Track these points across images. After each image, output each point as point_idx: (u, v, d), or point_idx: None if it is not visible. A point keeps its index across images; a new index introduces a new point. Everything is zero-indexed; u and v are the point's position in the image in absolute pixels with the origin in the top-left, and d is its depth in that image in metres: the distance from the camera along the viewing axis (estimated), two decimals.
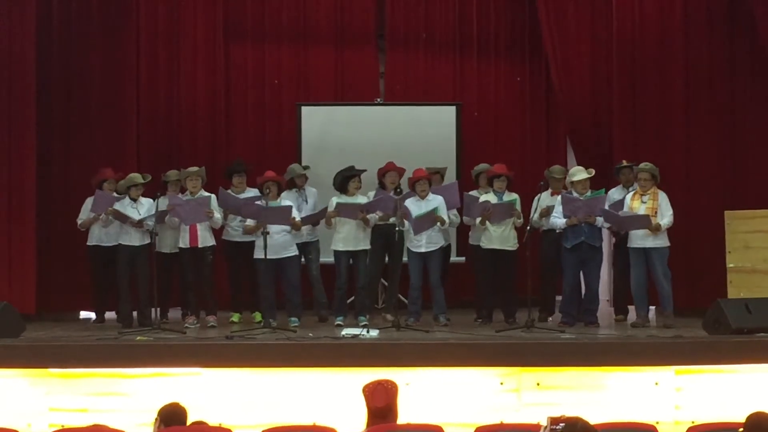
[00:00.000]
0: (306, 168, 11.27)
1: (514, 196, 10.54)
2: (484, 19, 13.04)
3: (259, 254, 10.04)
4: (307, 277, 10.95)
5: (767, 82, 11.43)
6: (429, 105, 12.75)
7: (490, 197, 10.48)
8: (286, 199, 10.53)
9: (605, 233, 10.75)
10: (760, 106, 11.54)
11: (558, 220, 10.22)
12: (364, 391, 6.39)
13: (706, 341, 8.71)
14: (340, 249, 10.46)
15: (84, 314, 11.76)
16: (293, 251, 10.40)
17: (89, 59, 11.82)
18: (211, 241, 10.52)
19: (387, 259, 10.87)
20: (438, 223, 10.27)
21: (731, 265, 10.53)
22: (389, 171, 10.73)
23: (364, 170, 10.74)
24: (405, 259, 10.64)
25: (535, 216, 10.37)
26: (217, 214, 10.42)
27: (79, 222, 10.93)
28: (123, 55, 11.98)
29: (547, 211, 10.43)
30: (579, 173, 10.35)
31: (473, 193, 10.79)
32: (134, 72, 12.19)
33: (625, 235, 10.42)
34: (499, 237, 10.40)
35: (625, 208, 10.19)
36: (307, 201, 10.94)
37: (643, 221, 9.97)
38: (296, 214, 10.28)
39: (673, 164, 11.26)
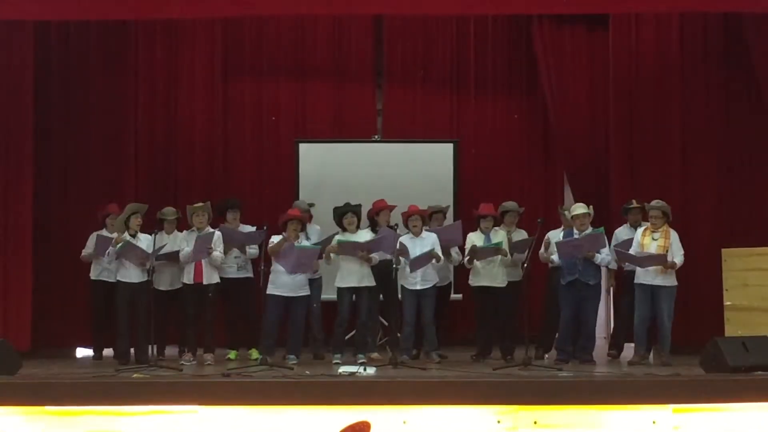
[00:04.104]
0: (311, 205, 11.25)
1: (501, 235, 10.57)
2: (481, 57, 13.13)
3: (272, 290, 10.14)
4: (308, 314, 10.93)
5: (764, 119, 11.48)
6: (427, 142, 12.80)
7: (477, 237, 10.57)
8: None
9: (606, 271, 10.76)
10: (756, 144, 11.61)
11: (555, 255, 10.30)
12: None
13: (703, 379, 8.66)
14: (343, 286, 10.45)
15: (80, 352, 11.75)
16: (306, 291, 10.42)
17: (88, 94, 11.89)
18: (215, 279, 10.51)
19: (382, 297, 10.87)
20: (434, 260, 10.32)
21: (728, 303, 10.53)
22: (382, 209, 10.75)
23: (359, 205, 10.72)
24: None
25: (543, 252, 10.44)
26: (217, 252, 10.41)
27: (83, 254, 10.92)
28: (121, 90, 12.06)
29: (549, 244, 10.48)
30: (579, 208, 10.42)
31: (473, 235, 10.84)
32: (133, 107, 12.26)
33: (630, 274, 10.47)
34: (488, 274, 10.49)
35: (635, 245, 10.25)
36: (309, 238, 10.93)
37: (659, 259, 10.03)
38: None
39: (670, 202, 11.22)
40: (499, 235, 10.53)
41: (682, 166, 11.67)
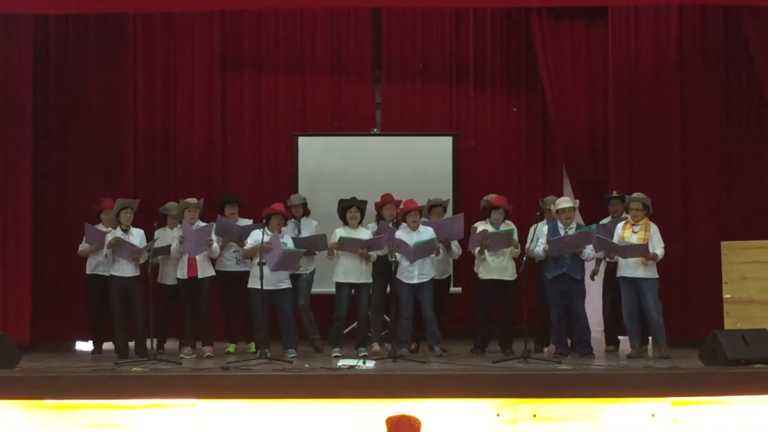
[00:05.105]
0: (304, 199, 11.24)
1: (512, 226, 10.58)
2: (480, 50, 13.11)
3: (253, 284, 10.06)
4: (298, 309, 10.94)
5: (762, 115, 11.47)
6: (425, 135, 12.77)
7: (487, 227, 10.51)
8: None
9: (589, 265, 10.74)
10: (754, 138, 11.58)
11: (539, 248, 10.28)
12: (387, 422, 6.36)
13: (702, 372, 8.67)
14: (342, 281, 10.49)
15: (79, 346, 11.75)
16: (287, 283, 10.43)
17: (86, 89, 11.90)
18: (210, 272, 10.53)
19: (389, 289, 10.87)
20: (433, 253, 10.32)
21: (728, 296, 10.52)
22: (387, 203, 10.76)
23: (365, 201, 10.75)
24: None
25: (531, 246, 10.38)
26: (215, 244, 10.43)
27: (79, 248, 10.92)
28: (120, 86, 12.07)
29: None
30: (564, 202, 10.41)
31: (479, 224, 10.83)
32: (131, 102, 12.25)
33: (615, 264, 10.46)
34: (498, 267, 10.49)
35: (616, 238, 10.24)
36: (300, 232, 10.94)
37: (641, 250, 10.01)
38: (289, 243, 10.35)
39: (669, 195, 11.29)
40: (508, 227, 10.52)
41: (681, 160, 11.64)
